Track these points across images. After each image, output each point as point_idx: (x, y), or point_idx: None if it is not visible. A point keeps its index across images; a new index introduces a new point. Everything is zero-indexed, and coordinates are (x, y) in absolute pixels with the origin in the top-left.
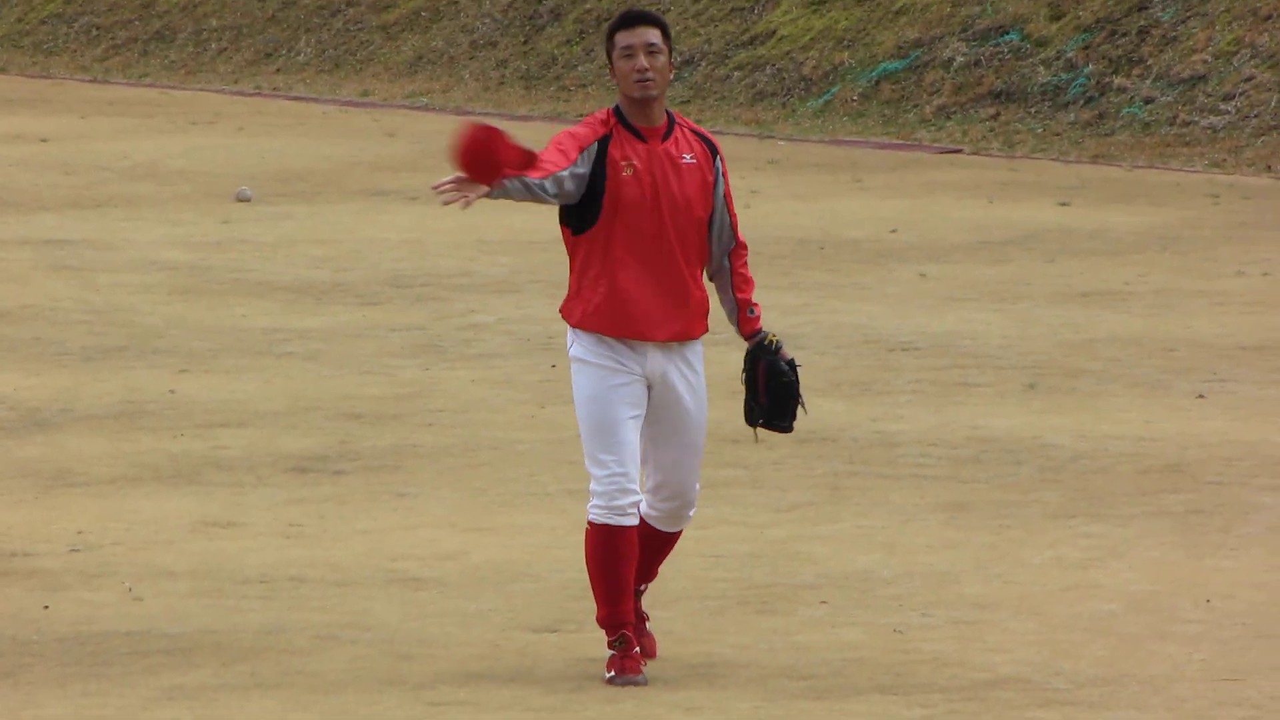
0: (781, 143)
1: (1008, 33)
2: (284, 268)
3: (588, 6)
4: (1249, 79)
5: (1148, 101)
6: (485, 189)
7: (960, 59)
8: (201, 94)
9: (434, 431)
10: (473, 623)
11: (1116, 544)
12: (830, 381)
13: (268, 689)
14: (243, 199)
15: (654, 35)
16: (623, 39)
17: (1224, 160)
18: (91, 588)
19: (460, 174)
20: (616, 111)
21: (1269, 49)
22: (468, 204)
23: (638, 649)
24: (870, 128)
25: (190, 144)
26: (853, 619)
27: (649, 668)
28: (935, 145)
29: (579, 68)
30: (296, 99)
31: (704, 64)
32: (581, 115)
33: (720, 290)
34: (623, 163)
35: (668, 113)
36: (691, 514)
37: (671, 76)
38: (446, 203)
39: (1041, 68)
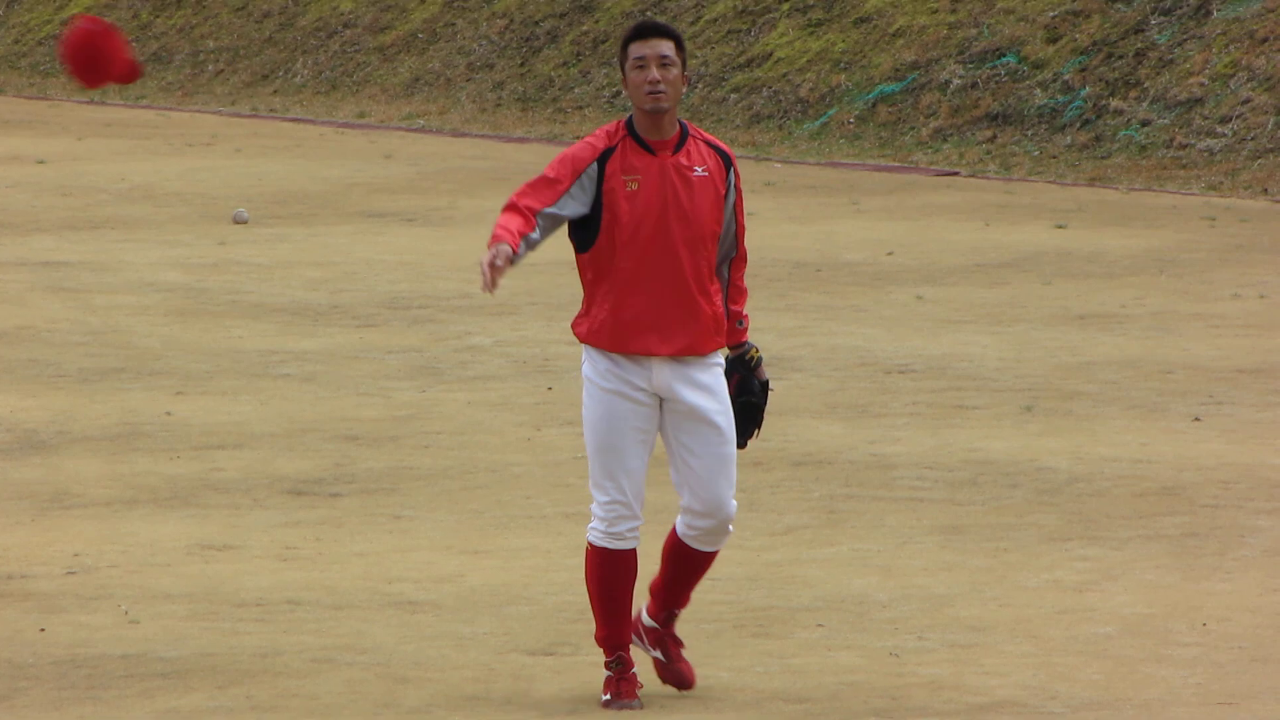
0: (778, 165)
1: (1004, 55)
2: (281, 289)
3: (584, 29)
4: (1245, 102)
5: (1144, 124)
6: (507, 267)
7: (957, 81)
8: (198, 116)
9: (430, 454)
10: (468, 645)
11: (1112, 567)
12: (827, 404)
13: (263, 712)
14: (239, 221)
15: (667, 47)
16: (636, 50)
17: (1220, 183)
18: (88, 610)
19: (72, 74)
20: (628, 124)
21: (1265, 72)
22: (496, 284)
23: (634, 671)
24: (867, 150)
25: (187, 166)
26: (849, 642)
27: (644, 691)
28: (932, 168)
29: (575, 90)
30: (293, 121)
31: (701, 86)
32: (578, 137)
33: (721, 301)
34: (625, 177)
35: (681, 124)
36: (730, 530)
37: (685, 89)
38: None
39: (1038, 90)
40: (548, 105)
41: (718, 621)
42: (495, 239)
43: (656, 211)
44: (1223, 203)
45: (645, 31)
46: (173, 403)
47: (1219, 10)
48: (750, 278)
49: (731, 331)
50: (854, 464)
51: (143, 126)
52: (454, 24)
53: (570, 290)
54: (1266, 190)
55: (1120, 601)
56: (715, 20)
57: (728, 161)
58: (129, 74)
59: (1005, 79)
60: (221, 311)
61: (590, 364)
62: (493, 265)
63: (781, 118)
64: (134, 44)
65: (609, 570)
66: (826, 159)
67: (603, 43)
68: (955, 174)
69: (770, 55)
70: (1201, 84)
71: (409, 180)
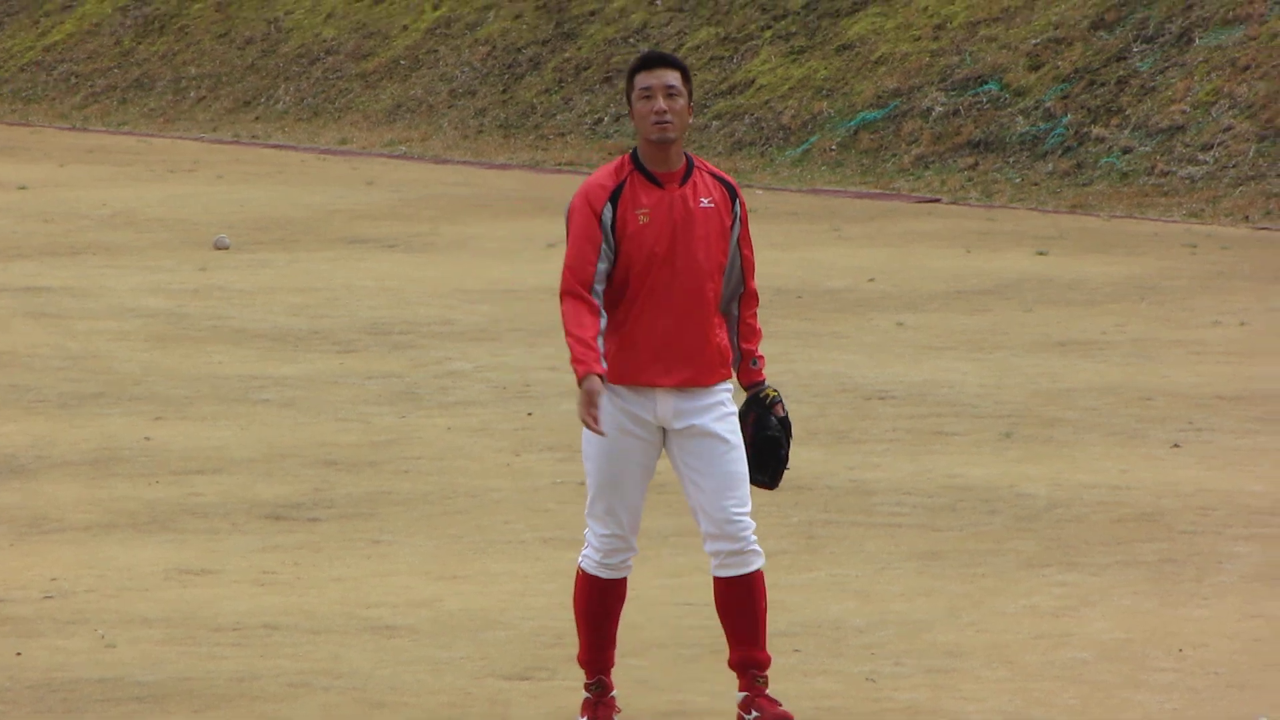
0: (760, 192)
1: (986, 83)
2: (261, 315)
3: (566, 56)
4: (1227, 129)
5: (1126, 151)
6: (599, 392)
7: (939, 109)
8: (180, 142)
9: (410, 479)
10: (445, 670)
11: (1090, 593)
12: (807, 430)
13: None
14: (221, 247)
15: (673, 77)
16: (642, 80)
17: (1202, 210)
18: (65, 635)
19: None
20: (634, 157)
21: (1247, 99)
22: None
23: (614, 694)
24: (848, 177)
25: (169, 192)
26: (825, 667)
27: (621, 718)
28: (913, 195)
29: (557, 116)
30: (275, 147)
31: None
32: (561, 164)
33: (727, 334)
34: (636, 212)
35: (686, 156)
36: (754, 549)
37: (690, 120)
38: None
39: (1020, 117)
40: (530, 132)
41: (695, 646)
42: (577, 361)
43: (666, 245)
44: (1204, 230)
45: (651, 62)
46: (152, 428)
47: (1201, 38)
48: None
49: (746, 371)
50: (833, 489)
51: (124, 153)
52: (436, 50)
53: (550, 316)
54: (1248, 218)
55: (1097, 627)
56: (698, 47)
57: (733, 193)
58: None
59: (987, 106)
60: (202, 337)
61: None
62: (590, 413)
63: (764, 145)
64: (116, 70)
65: (599, 597)
66: (808, 186)
67: (585, 69)
68: (937, 201)
69: (753, 82)
70: (1183, 111)
71: (390, 206)
